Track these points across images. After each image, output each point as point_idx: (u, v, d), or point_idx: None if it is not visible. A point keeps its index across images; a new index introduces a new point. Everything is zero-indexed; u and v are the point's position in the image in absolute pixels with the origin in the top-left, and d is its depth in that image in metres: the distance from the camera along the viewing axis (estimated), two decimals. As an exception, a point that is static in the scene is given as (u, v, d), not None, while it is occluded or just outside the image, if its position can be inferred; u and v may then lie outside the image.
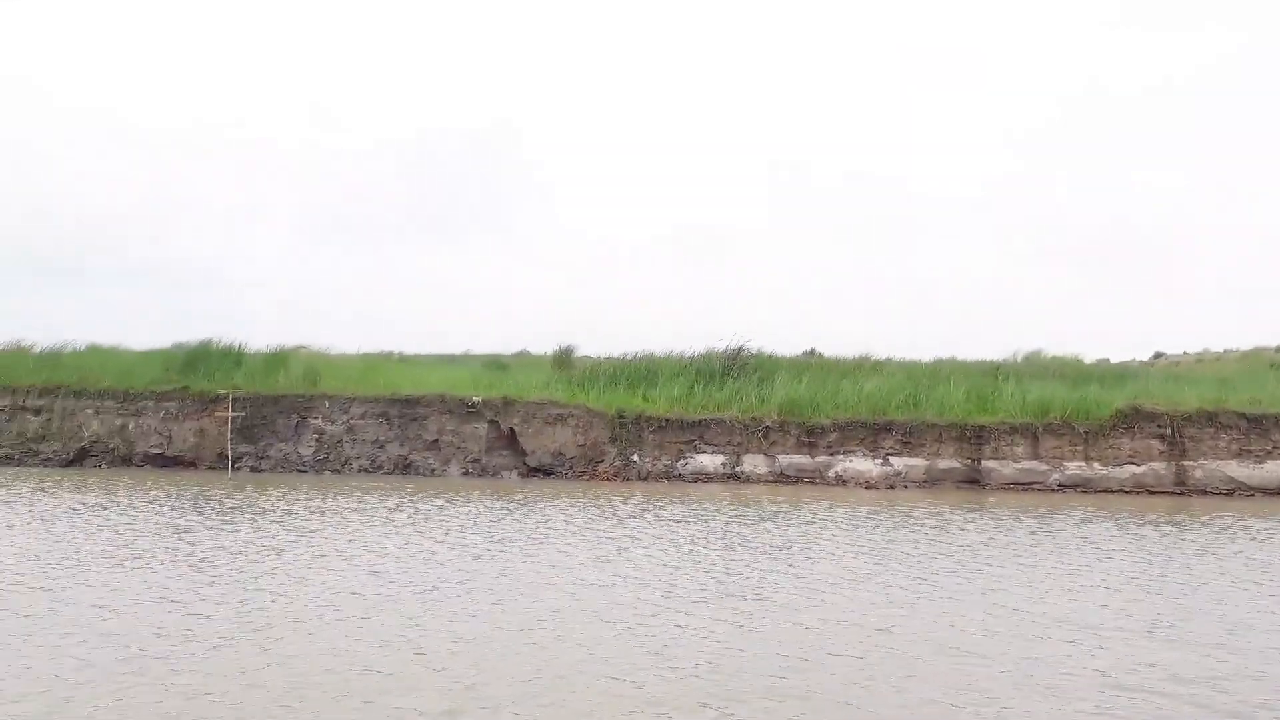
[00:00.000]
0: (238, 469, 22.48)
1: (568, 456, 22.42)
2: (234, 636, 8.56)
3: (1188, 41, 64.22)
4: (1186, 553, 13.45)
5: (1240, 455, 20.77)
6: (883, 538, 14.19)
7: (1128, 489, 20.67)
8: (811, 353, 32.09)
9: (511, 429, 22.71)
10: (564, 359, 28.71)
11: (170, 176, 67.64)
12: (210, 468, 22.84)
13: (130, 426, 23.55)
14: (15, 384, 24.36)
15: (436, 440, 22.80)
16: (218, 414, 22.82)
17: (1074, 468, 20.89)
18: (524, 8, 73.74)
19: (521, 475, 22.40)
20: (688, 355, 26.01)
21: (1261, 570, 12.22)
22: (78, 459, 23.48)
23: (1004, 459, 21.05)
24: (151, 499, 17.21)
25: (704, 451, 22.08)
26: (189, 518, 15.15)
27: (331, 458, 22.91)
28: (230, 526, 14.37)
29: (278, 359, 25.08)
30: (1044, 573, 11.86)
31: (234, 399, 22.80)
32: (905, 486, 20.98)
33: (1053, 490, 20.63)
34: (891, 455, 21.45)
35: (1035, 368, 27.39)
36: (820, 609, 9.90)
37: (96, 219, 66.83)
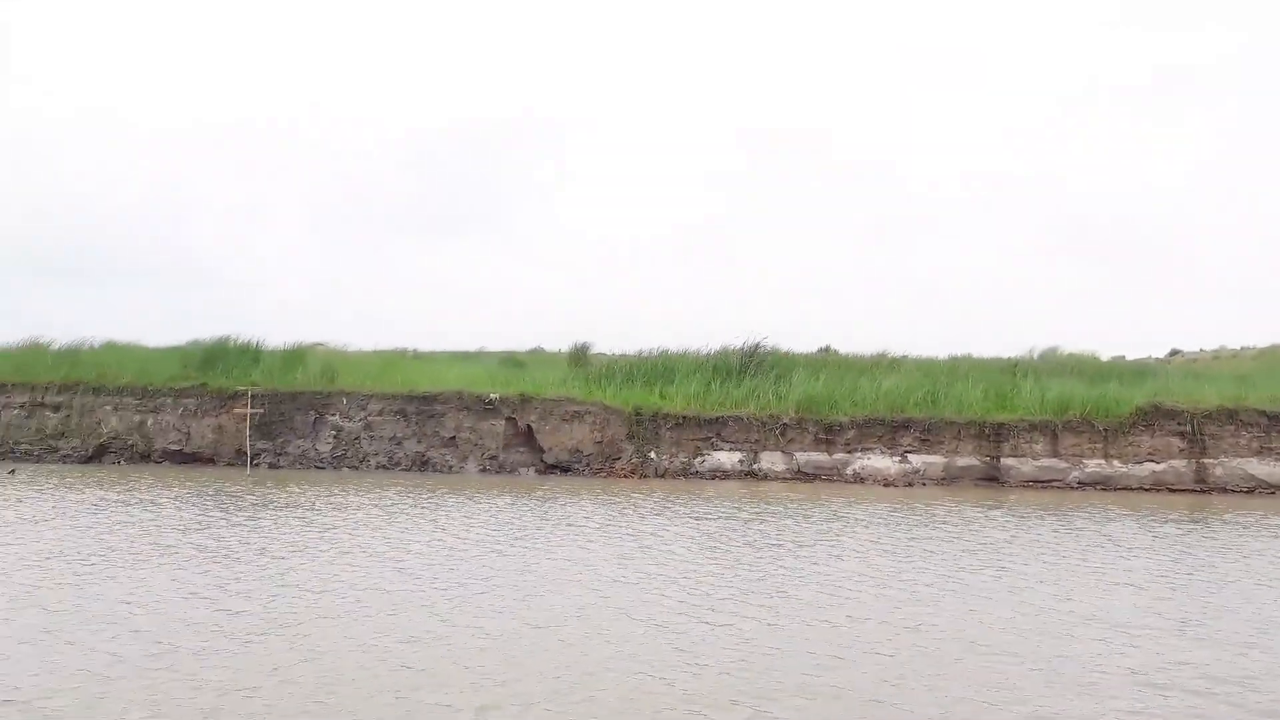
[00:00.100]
0: (256, 465, 22.56)
1: (585, 454, 22.43)
2: (263, 633, 8.58)
3: (1188, 41, 64.09)
4: (1211, 550, 13.38)
5: (1261, 453, 20.67)
6: (905, 535, 14.16)
7: (1147, 487, 20.60)
8: (826, 350, 32.07)
9: (529, 426, 22.73)
10: (580, 356, 28.75)
11: (173, 175, 68.07)
12: (228, 464, 22.94)
13: (149, 423, 23.66)
14: (34, 381, 24.53)
15: (454, 437, 22.84)
16: (236, 410, 22.91)
17: (1094, 465, 20.81)
18: (532, 4, 73.81)
19: (539, 472, 22.43)
20: (704, 352, 26.01)
21: (1288, 568, 12.16)
22: (96, 455, 23.60)
23: (1023, 457, 20.98)
24: (173, 495, 17.28)
25: (721, 449, 22.06)
26: (212, 514, 15.20)
27: (349, 454, 22.98)
28: (253, 523, 14.42)
29: (295, 356, 25.18)
30: (1069, 570, 11.81)
31: (252, 396, 22.88)
32: (923, 484, 20.93)
33: (1072, 488, 20.56)
34: (910, 453, 21.41)
35: (1052, 365, 27.34)
36: (847, 607, 9.87)
37: (97, 219, 67.18)
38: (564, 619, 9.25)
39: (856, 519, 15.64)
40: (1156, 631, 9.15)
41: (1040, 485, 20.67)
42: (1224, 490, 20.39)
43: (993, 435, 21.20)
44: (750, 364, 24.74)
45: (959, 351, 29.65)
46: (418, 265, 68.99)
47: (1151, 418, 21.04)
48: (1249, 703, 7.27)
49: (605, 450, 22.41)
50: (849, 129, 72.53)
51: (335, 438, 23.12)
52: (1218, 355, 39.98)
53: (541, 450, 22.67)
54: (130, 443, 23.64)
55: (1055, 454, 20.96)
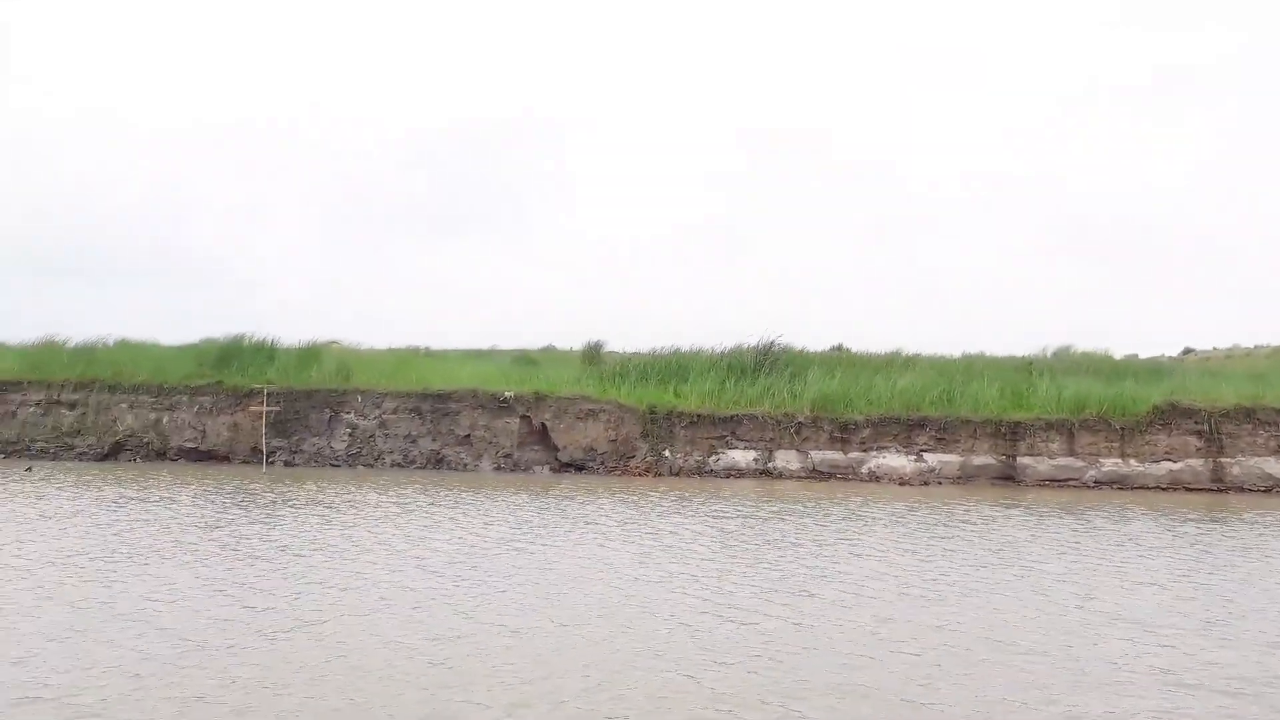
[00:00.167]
0: (271, 463, 22.61)
1: (599, 452, 22.43)
2: (290, 630, 8.60)
3: (1188, 41, 63.92)
4: (1232, 550, 13.33)
5: (1279, 452, 20.57)
6: (925, 534, 14.13)
7: (1164, 486, 20.53)
8: (839, 348, 32.02)
9: (543, 424, 22.75)
10: (593, 354, 28.75)
11: (173, 175, 68.30)
12: (244, 462, 23.00)
13: (164, 421, 23.74)
14: (50, 378, 24.61)
15: (469, 435, 22.86)
16: (252, 409, 22.96)
17: (1110, 464, 20.75)
18: (532, 4, 73.84)
19: (553, 470, 22.44)
20: (718, 351, 25.99)
21: (1312, 568, 12.10)
22: (112, 453, 23.68)
23: (1039, 455, 20.93)
24: (192, 493, 17.33)
25: (736, 447, 22.05)
26: (231, 511, 15.25)
27: (364, 452, 23.02)
28: (273, 520, 14.46)
29: (310, 354, 25.23)
30: (1091, 570, 11.78)
31: (268, 394, 22.92)
32: (939, 483, 20.89)
33: (1088, 487, 20.50)
34: (925, 451, 21.37)
35: (1066, 363, 27.25)
36: (871, 606, 9.85)
37: (97, 219, 67.40)
38: (588, 617, 9.25)
39: (875, 518, 15.62)
40: (1182, 631, 9.11)
41: (1056, 484, 20.62)
42: (1241, 489, 20.31)
43: (1009, 434, 21.15)
44: (764, 362, 24.72)
45: (962, 350, 29.66)
46: (418, 265, 69.29)
47: (1168, 416, 20.97)
48: (1280, 703, 7.25)
49: (620, 448, 22.42)
50: (849, 129, 72.66)
51: (350, 435, 23.16)
52: (1231, 354, 39.86)
53: (556, 448, 22.68)
54: (146, 440, 23.71)
55: (1072, 453, 20.90)
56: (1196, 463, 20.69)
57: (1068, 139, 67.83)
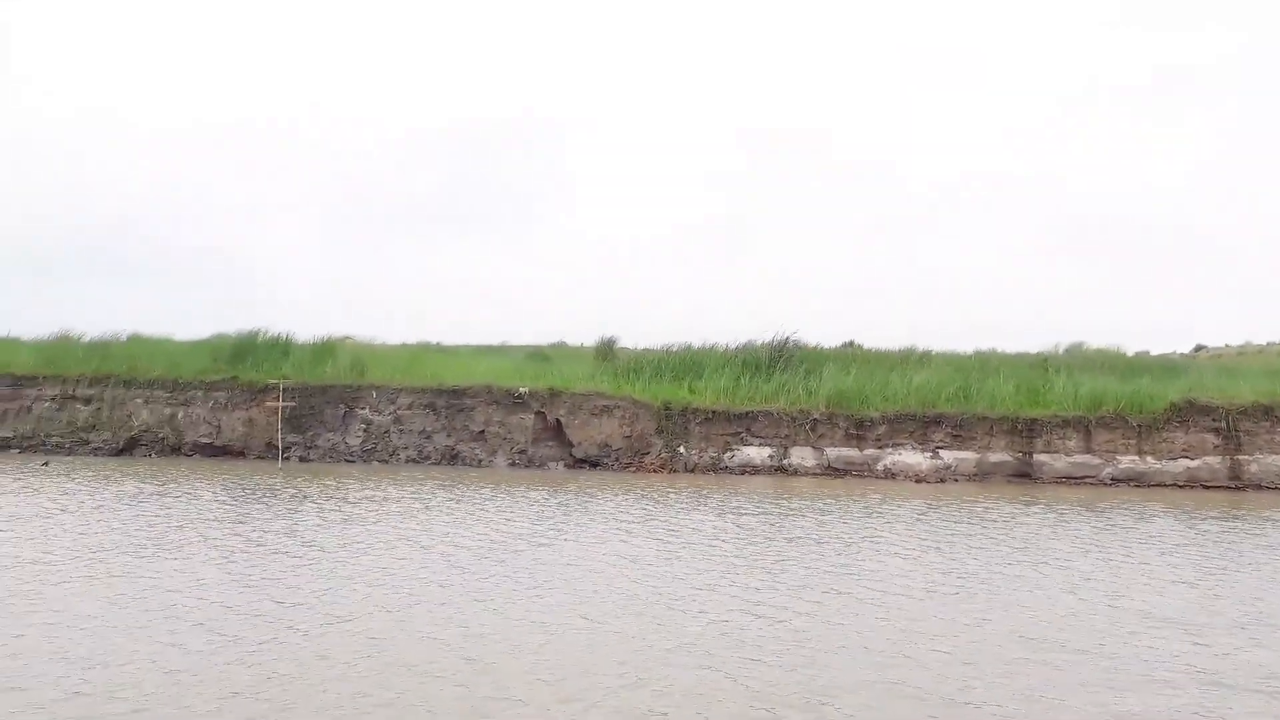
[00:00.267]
0: (286, 459, 22.63)
1: (614, 448, 22.43)
2: (323, 626, 8.61)
3: (1188, 41, 63.75)
4: (1257, 548, 13.30)
5: (1297, 450, 20.52)
6: (948, 531, 14.11)
7: (1181, 483, 20.48)
8: (850, 344, 31.93)
9: (558, 420, 22.74)
10: (606, 350, 28.72)
11: (173, 175, 68.24)
12: (259, 457, 23.03)
13: (179, 416, 23.77)
14: (65, 373, 24.64)
15: (483, 431, 22.87)
16: (268, 404, 22.97)
17: (1127, 461, 20.70)
18: (532, 4, 73.79)
19: (568, 466, 22.44)
20: (732, 347, 25.96)
21: (1338, 566, 12.07)
22: (127, 448, 23.72)
23: (1056, 453, 20.89)
24: (212, 488, 17.35)
25: (751, 444, 22.04)
26: (254, 507, 15.27)
27: (379, 448, 23.03)
28: (296, 516, 14.48)
29: (325, 349, 25.25)
30: (1117, 567, 11.76)
31: (284, 389, 22.94)
32: (955, 480, 20.85)
33: (1105, 484, 20.46)
34: (941, 448, 21.33)
35: (1080, 360, 27.14)
36: (900, 603, 9.84)
37: (97, 218, 67.45)
38: (618, 613, 9.25)
39: (896, 515, 15.59)
40: (1214, 629, 9.09)
41: (1073, 481, 20.57)
42: (1259, 487, 20.25)
43: (1025, 431, 21.11)
44: (779, 359, 24.68)
45: (974, 347, 29.58)
46: (418, 264, 69.22)
47: (1186, 414, 20.91)
48: (1320, 702, 7.22)
49: (634, 445, 22.41)
50: (849, 129, 72.50)
51: (365, 431, 23.18)
52: (1243, 351, 39.79)
53: (571, 444, 22.68)
54: (161, 435, 23.75)
55: (1089, 450, 20.86)
56: (1214, 460, 20.63)
57: (1068, 139, 67.83)
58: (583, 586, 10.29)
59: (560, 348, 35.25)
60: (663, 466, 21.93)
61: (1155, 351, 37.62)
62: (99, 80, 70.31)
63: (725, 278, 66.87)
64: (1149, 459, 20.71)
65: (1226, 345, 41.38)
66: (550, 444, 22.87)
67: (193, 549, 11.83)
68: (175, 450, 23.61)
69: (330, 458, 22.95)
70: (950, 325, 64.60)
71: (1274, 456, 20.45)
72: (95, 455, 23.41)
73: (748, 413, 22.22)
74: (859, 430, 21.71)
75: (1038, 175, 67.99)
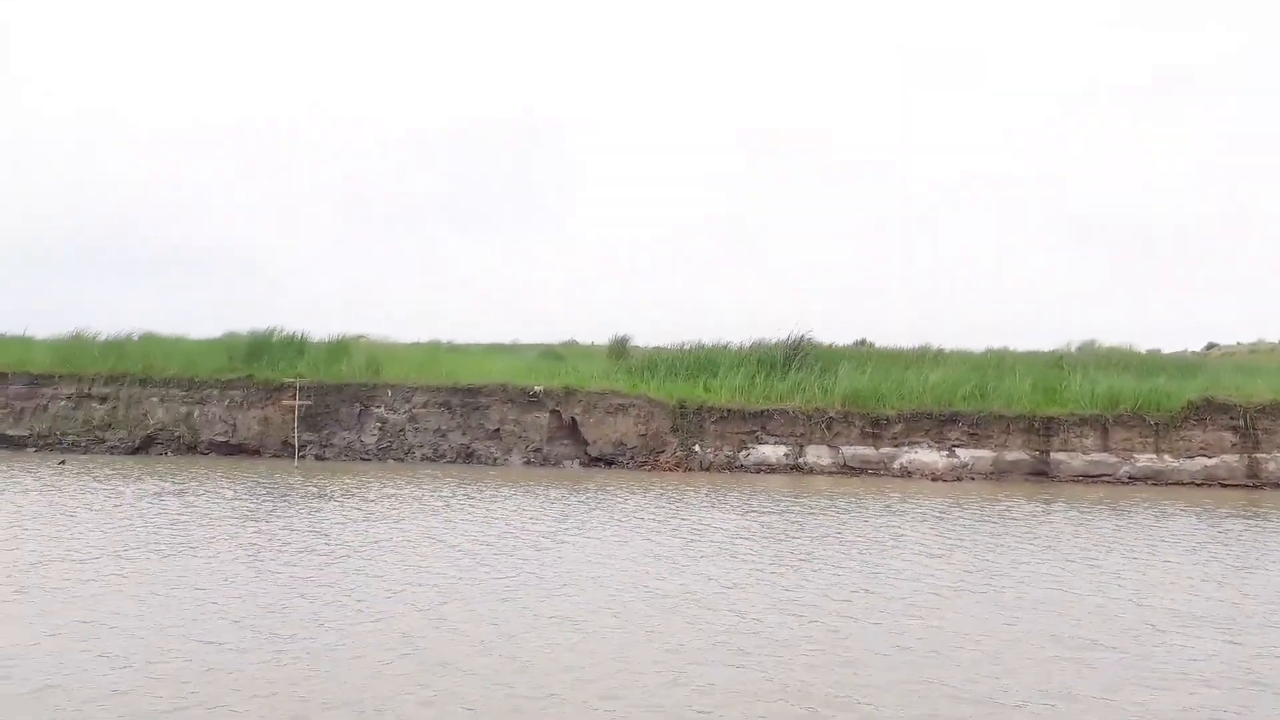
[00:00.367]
0: (303, 457, 22.67)
1: (629, 446, 22.43)
2: (355, 624, 8.61)
3: (1188, 41, 63.58)
4: (1281, 546, 13.28)
5: (1315, 448, 20.46)
6: (971, 530, 14.10)
7: (1198, 482, 20.43)
8: (863, 343, 31.90)
9: (573, 419, 22.75)
10: (620, 349, 28.72)
11: (173, 175, 68.28)
12: (274, 456, 23.06)
13: (195, 414, 23.81)
14: (80, 372, 24.70)
15: (498, 429, 22.89)
16: (283, 402, 23.01)
17: (1144, 460, 20.66)
18: (532, 4, 73.77)
19: (583, 465, 22.45)
20: (747, 345, 25.94)
21: (1365, 565, 12.04)
22: (143, 446, 23.76)
23: (1073, 451, 20.85)
24: (231, 486, 17.39)
25: (766, 442, 22.03)
26: (276, 505, 15.30)
27: (394, 446, 23.06)
28: (318, 514, 14.50)
29: (340, 348, 25.29)
30: (1143, 565, 11.74)
31: (299, 388, 22.97)
32: (971, 479, 20.83)
33: (1122, 483, 20.42)
34: (958, 447, 21.31)
35: (1094, 358, 27.07)
36: (929, 601, 9.83)
37: (97, 218, 67.51)
38: (649, 612, 9.25)
39: (918, 515, 15.57)
40: (1247, 628, 9.07)
41: (1090, 480, 20.54)
42: (1277, 485, 20.19)
43: (1042, 429, 21.08)
44: (794, 357, 24.66)
45: (986, 345, 29.49)
46: (419, 264, 69.27)
47: (1203, 412, 20.87)
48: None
49: (649, 443, 22.42)
50: (849, 129, 72.38)
51: (380, 429, 23.21)
52: (1256, 348, 39.65)
53: (586, 443, 22.69)
54: (177, 434, 23.79)
55: (1106, 448, 20.82)
56: (1231, 458, 20.58)
57: (1068, 139, 67.66)
58: (611, 585, 10.29)
59: (571, 346, 35.27)
60: (678, 465, 21.94)
61: (1166, 349, 37.58)
62: (99, 80, 70.43)
63: (728, 277, 66.93)
64: (1166, 457, 20.67)
65: (1238, 343, 41.28)
66: (565, 442, 22.88)
67: (219, 546, 11.86)
68: (191, 449, 23.65)
69: (346, 456, 22.98)
70: (955, 324, 64.73)
71: (1292, 455, 20.39)
72: (112, 454, 23.46)
73: (763, 411, 22.21)
74: (875, 429, 21.69)
75: (1038, 175, 67.97)
